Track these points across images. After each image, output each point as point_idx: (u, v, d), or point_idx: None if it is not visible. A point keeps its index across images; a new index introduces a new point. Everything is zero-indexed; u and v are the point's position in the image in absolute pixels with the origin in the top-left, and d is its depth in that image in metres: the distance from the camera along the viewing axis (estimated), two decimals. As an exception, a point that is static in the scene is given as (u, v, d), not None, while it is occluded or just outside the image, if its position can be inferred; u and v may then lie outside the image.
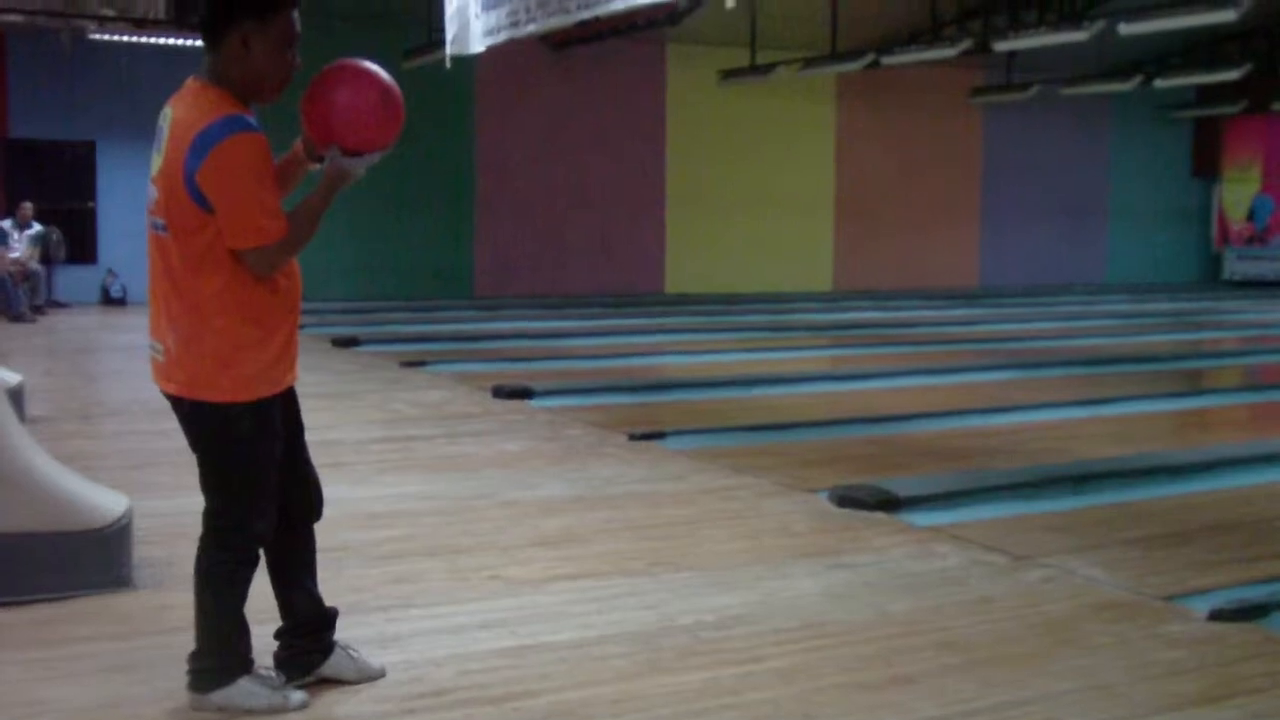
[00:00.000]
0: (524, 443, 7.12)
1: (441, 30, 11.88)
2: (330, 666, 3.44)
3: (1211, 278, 24.67)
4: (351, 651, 3.50)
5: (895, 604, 4.26)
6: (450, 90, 16.87)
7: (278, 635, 3.46)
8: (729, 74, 18.18)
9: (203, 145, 2.97)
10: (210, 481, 3.27)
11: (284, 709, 3.26)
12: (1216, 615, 4.12)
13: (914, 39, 17.46)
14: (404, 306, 15.72)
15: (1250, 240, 24.48)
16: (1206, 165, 24.99)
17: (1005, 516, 5.63)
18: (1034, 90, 20.06)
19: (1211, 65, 19.72)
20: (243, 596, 3.29)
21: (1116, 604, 4.30)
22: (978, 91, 20.80)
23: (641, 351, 11.95)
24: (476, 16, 11.27)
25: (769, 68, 17.46)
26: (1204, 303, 19.42)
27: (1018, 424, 8.33)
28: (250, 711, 3.22)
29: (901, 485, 5.90)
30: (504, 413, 8.21)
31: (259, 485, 3.23)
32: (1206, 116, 24.19)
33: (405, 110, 3.38)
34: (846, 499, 5.66)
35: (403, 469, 6.41)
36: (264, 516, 3.26)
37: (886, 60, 16.85)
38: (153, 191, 3.12)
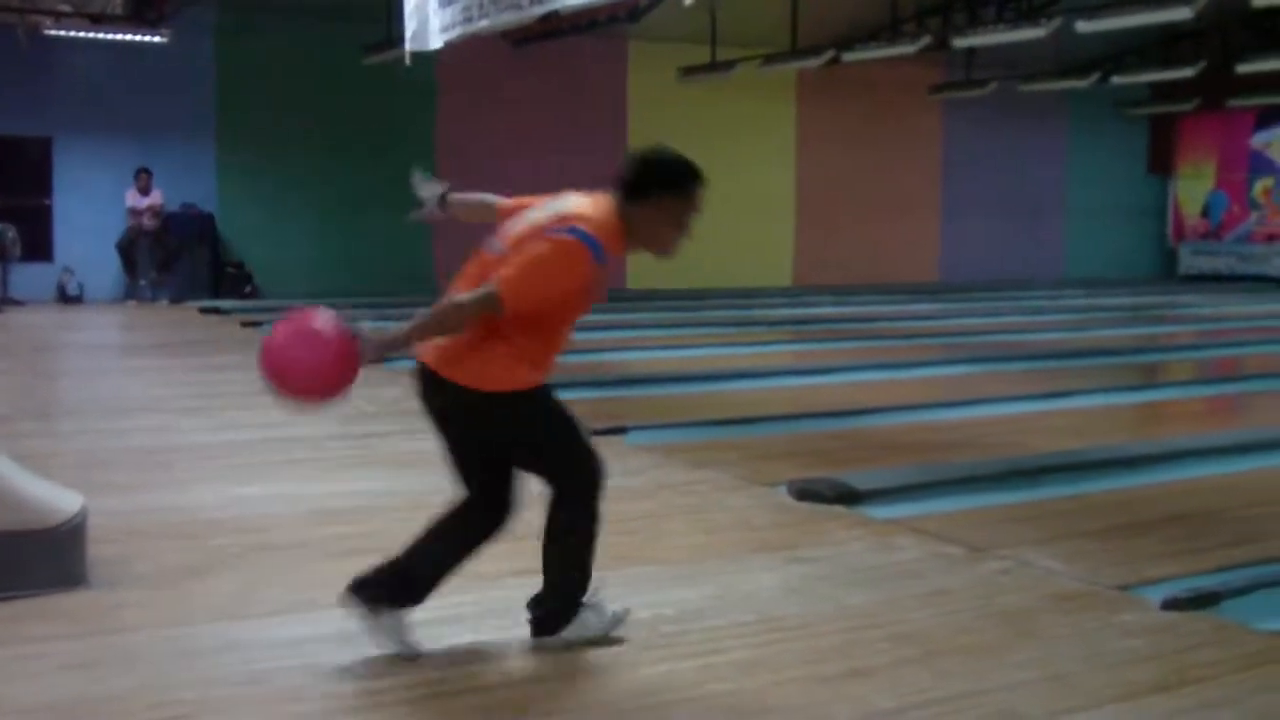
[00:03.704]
0: (485, 439, 7.09)
1: (402, 26, 11.83)
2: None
3: (1167, 273, 24.89)
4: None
5: (853, 597, 4.28)
6: (411, 86, 16.81)
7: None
8: (689, 71, 18.18)
9: (561, 228, 3.47)
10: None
11: (613, 627, 3.74)
12: (1170, 605, 4.16)
13: (874, 36, 17.51)
14: (365, 303, 15.63)
15: (1205, 236, 24.73)
16: (1162, 162, 25.21)
17: (964, 509, 5.65)
18: (993, 87, 20.16)
19: (1167, 63, 19.89)
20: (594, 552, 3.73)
21: (1073, 595, 4.33)
22: (937, 88, 20.89)
23: (603, 347, 11.93)
24: (435, 12, 11.24)
25: (729, 64, 17.48)
26: (1160, 297, 19.58)
27: (977, 418, 8.37)
28: (590, 640, 3.69)
29: (860, 479, 5.92)
30: (464, 409, 8.17)
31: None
32: (1162, 114, 24.40)
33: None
34: (806, 492, 5.68)
35: (360, 466, 6.39)
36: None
37: (846, 57, 16.89)
38: (519, 227, 3.60)
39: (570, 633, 3.70)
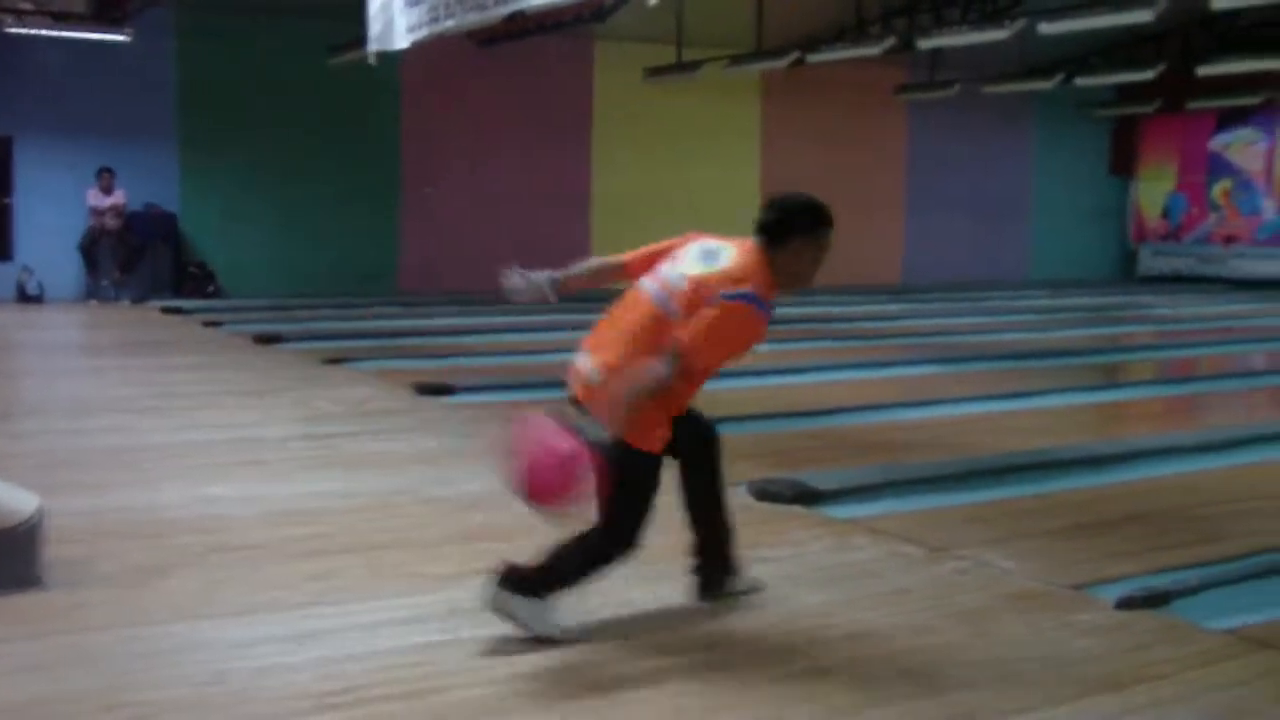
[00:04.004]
0: (445, 439, 7.10)
1: (366, 26, 11.79)
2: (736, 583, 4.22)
3: (1128, 274, 25.08)
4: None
5: (811, 596, 4.30)
6: (377, 86, 16.74)
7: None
8: (654, 71, 18.21)
9: (734, 293, 3.74)
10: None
11: (550, 634, 3.80)
12: (1124, 604, 4.21)
13: (839, 37, 17.58)
14: (328, 303, 15.59)
15: (1165, 237, 24.95)
16: (1124, 163, 25.40)
17: (924, 509, 5.69)
18: (957, 88, 20.27)
19: (1129, 65, 20.05)
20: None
21: (1030, 594, 4.38)
22: (902, 89, 20.98)
23: (565, 348, 11.93)
24: (400, 12, 11.21)
25: (695, 65, 17.51)
26: (1121, 298, 19.73)
27: (940, 417, 8.43)
28: (528, 626, 3.80)
29: (820, 478, 5.95)
30: (426, 409, 8.18)
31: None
32: (1125, 115, 24.59)
33: None
34: (765, 493, 5.70)
35: (323, 466, 6.38)
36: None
37: (811, 58, 16.94)
38: (683, 284, 3.84)
39: (521, 607, 3.81)
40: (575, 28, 17.31)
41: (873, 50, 16.36)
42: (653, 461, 3.87)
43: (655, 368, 3.72)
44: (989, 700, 3.44)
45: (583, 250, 19.40)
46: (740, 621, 4.04)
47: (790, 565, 4.65)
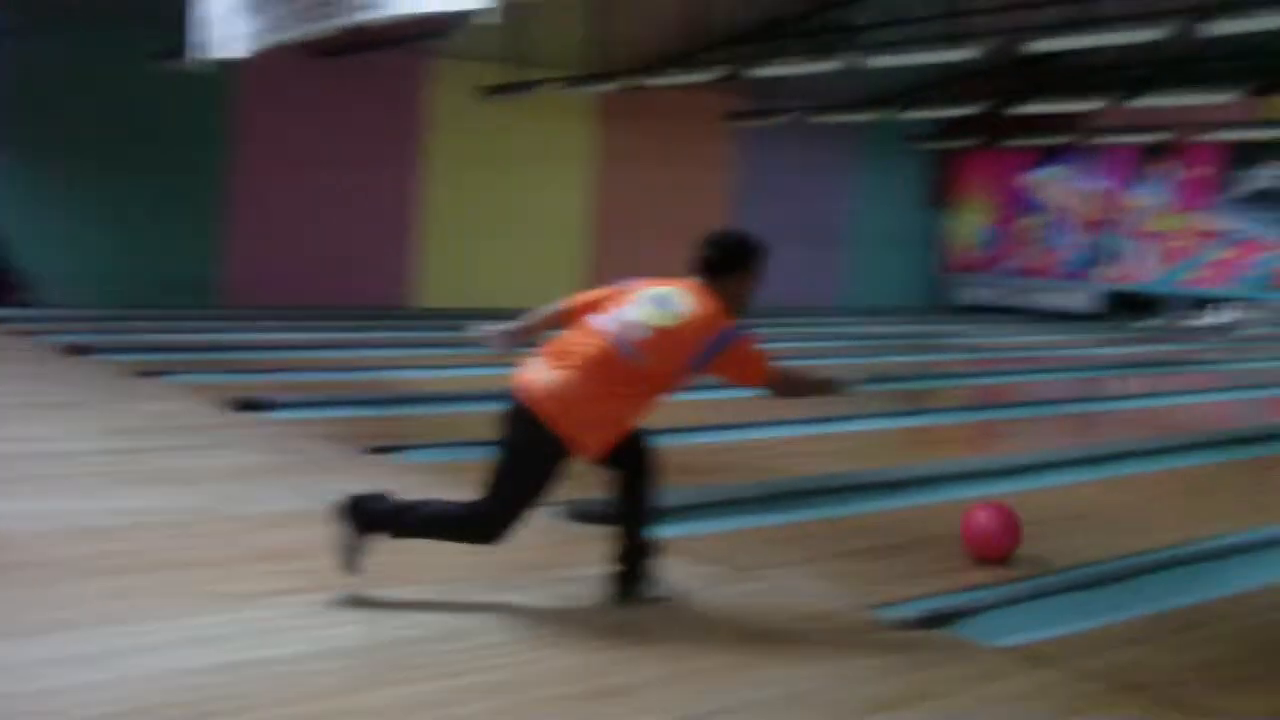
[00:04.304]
0: (258, 456, 6.99)
1: (199, 32, 11.53)
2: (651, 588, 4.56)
3: (941, 303, 25.88)
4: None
5: (612, 616, 4.36)
6: (207, 94, 16.41)
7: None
8: (492, 90, 18.21)
9: (722, 341, 4.33)
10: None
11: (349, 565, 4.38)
12: (915, 623, 4.37)
13: (675, 62, 17.81)
14: (145, 314, 15.18)
15: (977, 268, 25.85)
16: (943, 195, 26.25)
17: (731, 531, 5.81)
18: (787, 117, 20.71)
19: (953, 101, 20.72)
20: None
21: (825, 614, 4.51)
22: (733, 116, 21.35)
23: (388, 365, 11.83)
24: (237, 20, 10.99)
25: (530, 85, 17.57)
26: (933, 326, 20.33)
27: (748, 441, 8.58)
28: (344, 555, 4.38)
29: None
30: (240, 425, 8.03)
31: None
32: (946, 149, 25.42)
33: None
34: (578, 513, 5.75)
35: (127, 482, 6.22)
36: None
37: (646, 82, 17.15)
38: (649, 334, 4.30)
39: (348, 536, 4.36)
40: (415, 43, 17.23)
41: (705, 77, 16.63)
42: (564, 464, 4.32)
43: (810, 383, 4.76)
44: (777, 718, 3.54)
45: (413, 266, 19.33)
46: (542, 642, 4.07)
47: (594, 586, 4.70)
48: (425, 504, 4.49)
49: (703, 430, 8.78)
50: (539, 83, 17.55)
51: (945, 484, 7.20)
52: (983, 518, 5.36)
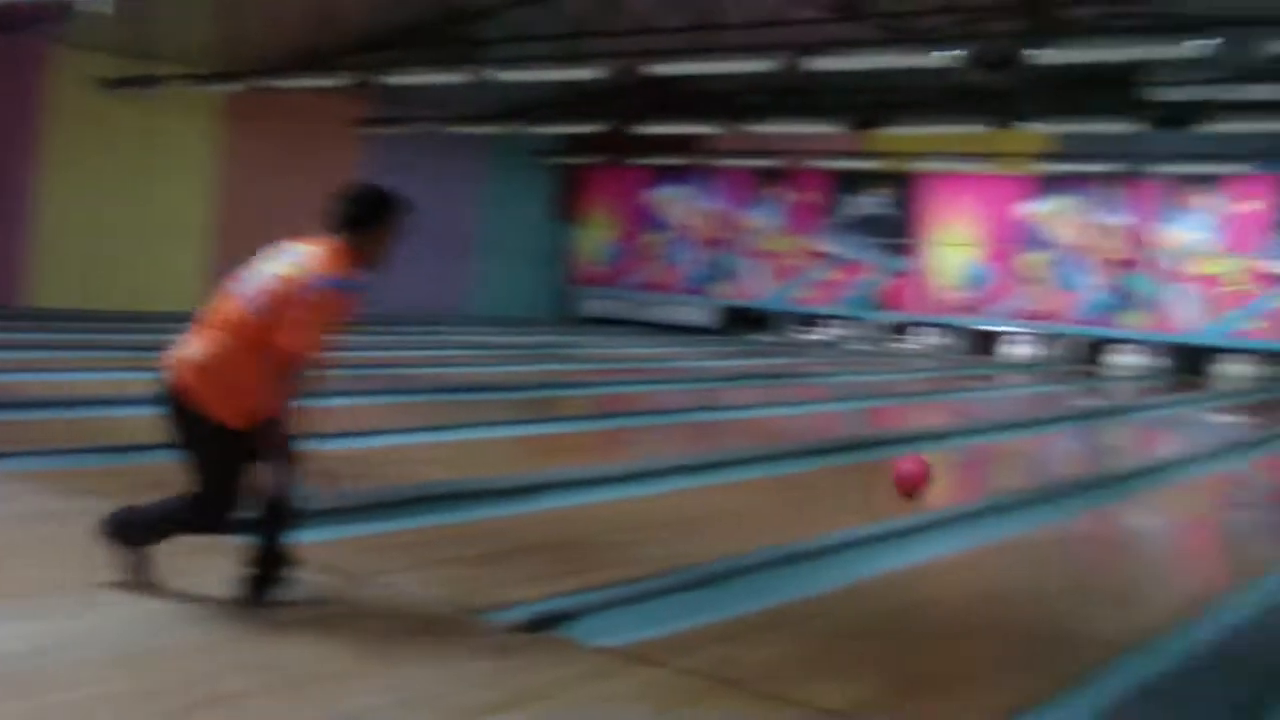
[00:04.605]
0: None
1: None
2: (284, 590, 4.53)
3: (568, 314, 26.42)
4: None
5: (217, 629, 4.24)
6: None
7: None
8: (113, 83, 17.34)
9: (321, 284, 4.32)
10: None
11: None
12: (525, 626, 4.45)
13: (306, 65, 17.46)
14: None
15: (603, 281, 26.56)
16: (570, 209, 26.81)
17: (347, 537, 5.74)
18: (416, 126, 20.65)
19: (579, 117, 21.20)
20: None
21: (435, 620, 4.53)
22: (363, 123, 21.12)
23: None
24: None
25: (153, 80, 16.84)
26: (560, 337, 20.72)
27: (373, 448, 8.49)
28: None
29: (247, 507, 5.85)
30: None
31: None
32: (573, 164, 25.97)
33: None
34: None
35: None
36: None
37: (274, 84, 16.74)
38: (271, 283, 4.34)
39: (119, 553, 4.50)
40: (32, 29, 16.18)
41: (334, 82, 16.38)
42: (241, 438, 4.34)
43: (285, 392, 4.36)
44: (384, 724, 3.54)
45: (21, 263, 18.10)
46: (133, 657, 3.92)
47: (186, 600, 4.55)
48: (161, 504, 4.52)
49: (327, 437, 8.60)
50: (163, 78, 16.85)
51: (562, 490, 7.35)
52: (908, 465, 7.60)
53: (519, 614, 4.58)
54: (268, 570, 4.48)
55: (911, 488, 7.45)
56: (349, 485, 6.98)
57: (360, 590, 4.82)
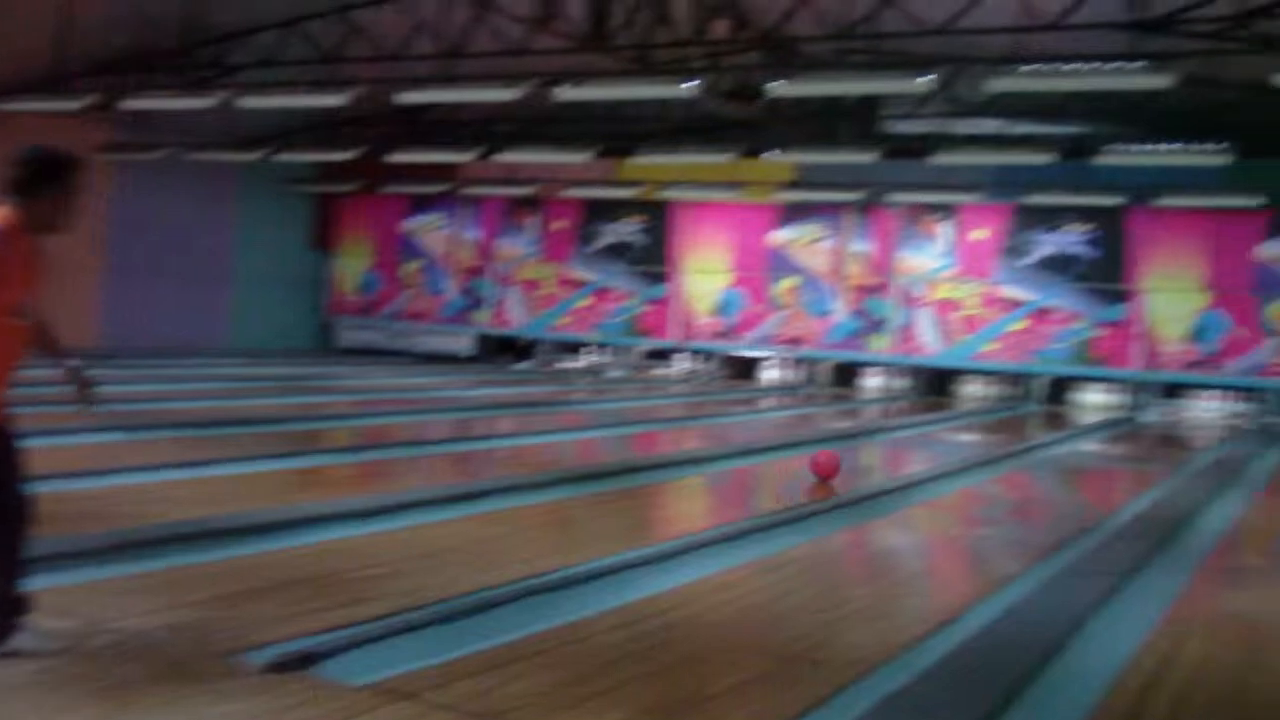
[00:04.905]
0: None
1: None
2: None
3: (326, 345, 25.95)
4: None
5: (-57, 682, 4.00)
6: None
7: None
8: None
9: None
10: None
11: None
12: (272, 667, 4.31)
13: (42, 87, 16.71)
14: None
15: (361, 311, 26.20)
16: (325, 238, 26.36)
17: (86, 582, 5.49)
18: (164, 152, 20.00)
19: (330, 145, 20.89)
20: None
21: (182, 663, 4.36)
22: (107, 149, 20.32)
23: None
24: None
25: None
26: (317, 368, 20.31)
27: (118, 486, 8.16)
28: None
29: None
30: None
31: None
32: (326, 193, 25.55)
33: None
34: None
35: None
36: None
37: (7, 106, 15.99)
38: None
39: None
40: None
41: (73, 105, 15.74)
42: None
43: None
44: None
45: None
46: None
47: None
48: None
49: (68, 477, 8.23)
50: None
51: (319, 525, 7.18)
52: (823, 458, 10.09)
53: (271, 654, 4.45)
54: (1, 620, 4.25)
55: (826, 474, 9.94)
56: (91, 527, 6.70)
57: (101, 636, 4.60)
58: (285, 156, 21.10)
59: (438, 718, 4.01)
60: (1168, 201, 19.57)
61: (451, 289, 25.67)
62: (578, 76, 13.95)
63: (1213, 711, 4.68)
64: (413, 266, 26.01)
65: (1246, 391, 20.07)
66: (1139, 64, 12.14)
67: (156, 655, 4.45)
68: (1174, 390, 20.63)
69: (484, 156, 20.15)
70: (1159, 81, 12.17)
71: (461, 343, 25.22)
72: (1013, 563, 7.47)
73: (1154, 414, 20.26)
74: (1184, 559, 7.84)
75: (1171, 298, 20.31)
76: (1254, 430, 18.69)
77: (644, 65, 14.73)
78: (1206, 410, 20.48)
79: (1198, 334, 20.14)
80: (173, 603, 5.18)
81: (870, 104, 19.15)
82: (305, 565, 6.10)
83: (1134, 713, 4.54)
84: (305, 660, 4.40)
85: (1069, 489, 12.47)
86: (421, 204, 25.70)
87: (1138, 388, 20.61)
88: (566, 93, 13.88)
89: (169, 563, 6.00)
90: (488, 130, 20.56)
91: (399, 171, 22.85)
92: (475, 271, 25.48)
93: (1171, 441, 17.51)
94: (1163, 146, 17.18)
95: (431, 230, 25.93)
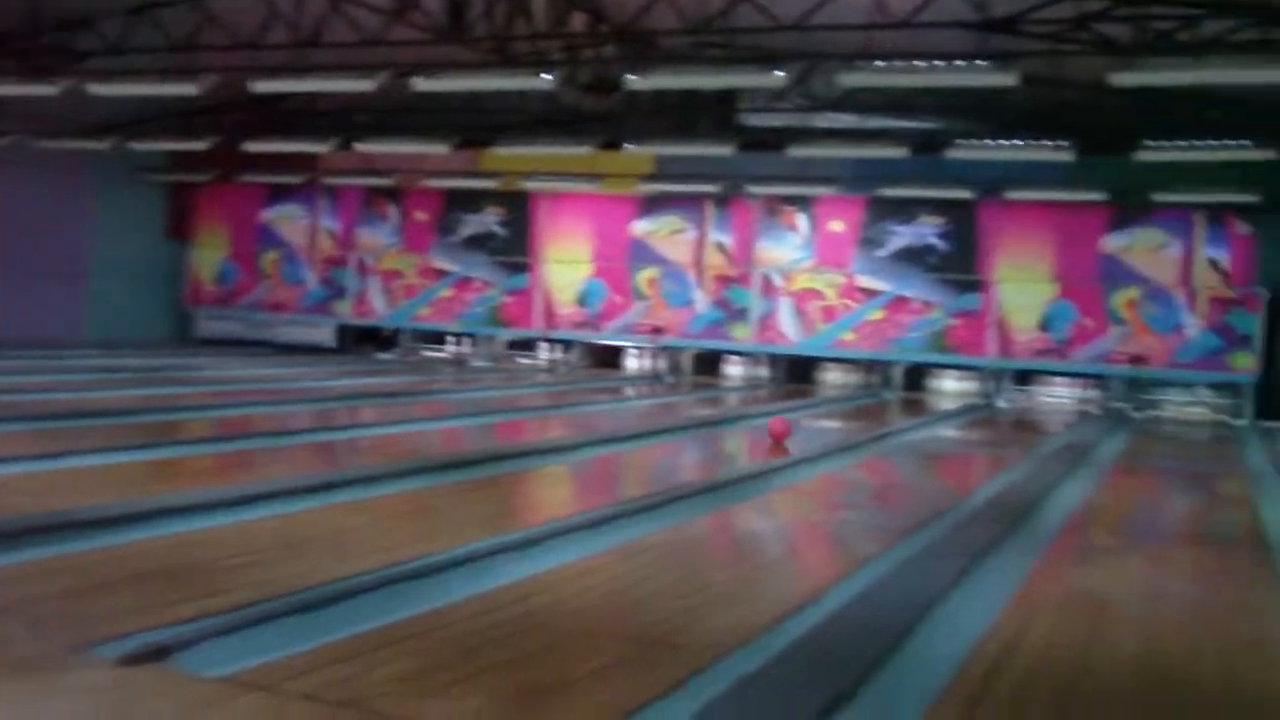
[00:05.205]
0: None
1: None
2: None
3: (184, 335, 25.45)
4: None
5: None
6: None
7: None
8: None
9: None
10: None
11: None
12: (129, 660, 4.26)
13: None
14: None
15: (219, 302, 25.74)
16: (181, 228, 25.81)
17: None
18: (9, 139, 19.43)
19: (185, 134, 20.47)
20: None
21: (32, 659, 4.28)
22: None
23: None
24: None
25: None
26: (176, 359, 19.89)
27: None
28: None
29: None
30: None
31: None
32: (182, 182, 25.02)
33: None
34: None
35: None
36: None
37: None
38: None
39: None
40: None
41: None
42: None
43: None
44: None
45: None
46: None
47: None
48: None
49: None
50: None
51: (177, 516, 7.06)
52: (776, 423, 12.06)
53: (125, 646, 4.38)
54: None
55: (778, 437, 11.98)
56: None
57: (-54, 634, 4.50)
58: (139, 145, 20.61)
59: (296, 707, 4.00)
60: (1017, 195, 20.10)
61: (312, 279, 25.34)
62: (435, 68, 13.89)
63: (1057, 688, 4.85)
64: (271, 256, 25.61)
65: (1094, 378, 20.72)
66: (985, 63, 12.47)
67: (6, 649, 4.36)
68: (1026, 377, 21.21)
69: (342, 147, 19.95)
70: (1004, 79, 12.52)
71: (323, 333, 24.92)
72: (871, 545, 7.64)
73: (1007, 400, 20.83)
74: (1035, 540, 8.10)
75: (1022, 288, 20.87)
76: (1101, 415, 19.33)
77: (502, 57, 14.71)
78: (1056, 396, 21.11)
79: (1047, 323, 20.72)
80: (26, 596, 5.08)
81: (728, 98, 19.35)
82: (162, 557, 6.01)
83: (982, 689, 4.69)
84: (159, 652, 4.35)
85: (926, 473, 12.77)
86: (280, 194, 25.32)
87: (991, 375, 21.15)
88: (424, 84, 13.82)
89: (23, 556, 5.86)
90: (346, 120, 20.33)
91: (256, 161, 22.48)
92: (336, 262, 25.18)
93: (1024, 426, 18.03)
94: (1011, 142, 17.68)
95: (290, 220, 25.56)
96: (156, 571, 5.68)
